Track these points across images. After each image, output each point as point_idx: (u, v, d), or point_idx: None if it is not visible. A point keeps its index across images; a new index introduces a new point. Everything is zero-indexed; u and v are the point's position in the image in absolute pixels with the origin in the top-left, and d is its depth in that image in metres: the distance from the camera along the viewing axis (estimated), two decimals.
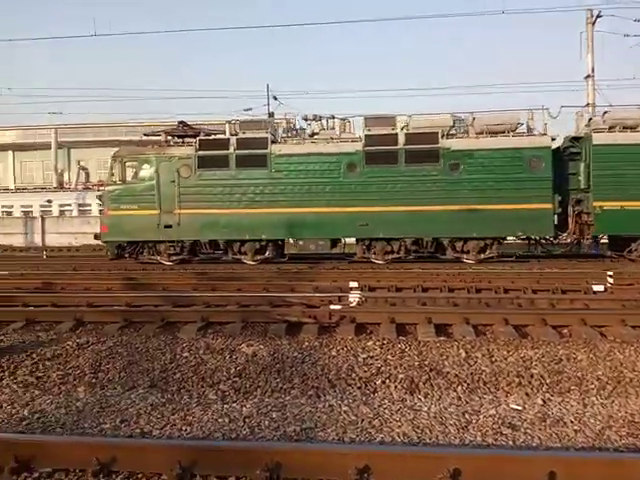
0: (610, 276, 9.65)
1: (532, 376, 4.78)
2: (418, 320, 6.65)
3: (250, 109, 27.42)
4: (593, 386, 4.50)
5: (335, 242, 14.29)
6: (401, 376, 4.86)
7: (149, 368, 5.13)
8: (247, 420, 3.91)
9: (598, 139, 13.33)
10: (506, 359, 5.27)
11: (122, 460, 2.96)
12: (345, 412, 4.06)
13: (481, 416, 3.94)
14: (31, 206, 30.24)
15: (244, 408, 4.15)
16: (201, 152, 14.26)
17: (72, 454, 3.01)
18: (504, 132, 13.64)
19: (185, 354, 5.54)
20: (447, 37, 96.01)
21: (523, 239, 14.74)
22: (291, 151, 14.19)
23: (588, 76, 20.91)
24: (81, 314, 7.02)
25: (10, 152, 43.73)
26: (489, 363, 5.18)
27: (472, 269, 12.52)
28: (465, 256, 13.85)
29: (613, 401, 4.17)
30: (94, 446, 3.06)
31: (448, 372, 4.95)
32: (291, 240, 14.21)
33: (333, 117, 14.80)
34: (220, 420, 3.91)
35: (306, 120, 14.80)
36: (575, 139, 13.99)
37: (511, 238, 14.86)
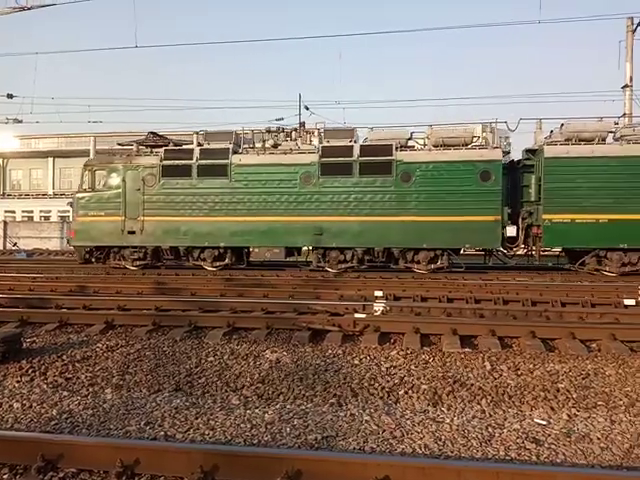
0: None
1: (558, 390, 4.69)
2: (443, 331, 6.59)
3: (282, 119, 27.73)
4: (622, 403, 4.38)
5: (291, 251, 14.71)
6: (424, 387, 4.83)
7: (175, 372, 5.23)
8: (269, 426, 3.95)
9: (550, 152, 13.36)
10: (532, 372, 5.18)
11: (145, 462, 3.04)
12: (367, 421, 4.06)
13: (505, 430, 3.88)
14: (68, 211, 31.19)
15: (266, 414, 4.19)
16: (166, 162, 14.90)
17: (97, 455, 3.10)
18: (458, 145, 13.81)
19: (210, 359, 5.63)
20: (478, 48, 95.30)
21: (479, 250, 14.86)
22: (251, 161, 14.56)
23: (626, 86, 20.40)
24: (112, 317, 7.19)
25: (50, 159, 45.27)
26: (515, 376, 5.10)
27: (498, 280, 12.34)
28: (416, 266, 13.97)
29: None
30: (118, 447, 3.15)
31: (472, 384, 4.90)
32: (255, 249, 14.83)
33: (295, 129, 15.45)
34: (242, 425, 3.96)
35: (269, 132, 15.28)
36: (530, 151, 14.08)
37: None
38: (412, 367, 5.40)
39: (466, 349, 6.03)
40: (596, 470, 3.14)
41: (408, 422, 4.04)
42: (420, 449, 3.58)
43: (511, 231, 13.89)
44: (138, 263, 15.20)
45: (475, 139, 14.08)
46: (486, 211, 13.51)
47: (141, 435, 3.78)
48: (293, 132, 15.50)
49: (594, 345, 6.17)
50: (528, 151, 14.27)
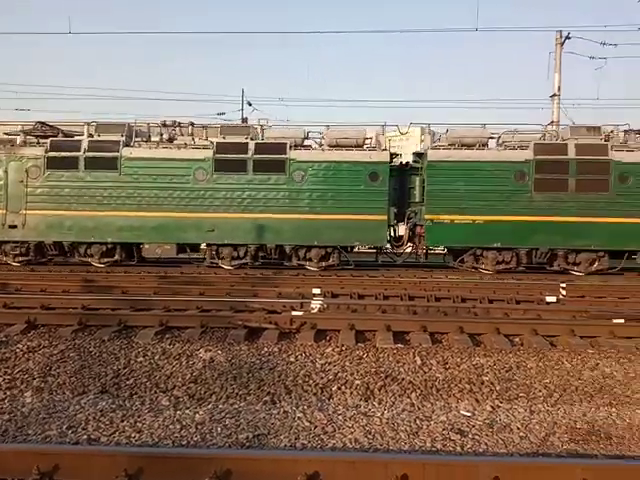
0: (563, 288, 9.97)
1: (483, 383, 4.90)
2: (377, 327, 6.72)
3: (223, 113, 27.28)
4: (540, 394, 4.64)
5: (183, 247, 14.47)
6: (357, 382, 4.90)
7: (101, 373, 5.02)
8: (199, 427, 3.87)
9: (432, 155, 14.00)
10: (459, 366, 5.39)
11: (65, 468, 2.89)
12: (299, 418, 4.07)
13: (432, 422, 4.01)
14: None
15: (197, 415, 4.10)
16: (51, 153, 14.20)
17: (12, 462, 2.92)
18: (351, 146, 14.19)
19: (140, 359, 5.45)
20: (424, 52, 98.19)
21: (371, 248, 15.39)
22: (142, 155, 14.16)
23: (554, 95, 21.59)
24: (34, 316, 6.80)
25: None
26: (443, 370, 5.29)
27: (433, 278, 12.74)
28: (308, 263, 14.18)
29: (559, 408, 4.31)
30: (35, 453, 2.98)
31: (403, 379, 5.03)
32: (146, 245, 14.46)
33: (192, 124, 15.10)
34: (171, 427, 3.86)
35: (165, 126, 14.95)
36: (417, 155, 14.77)
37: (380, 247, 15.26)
38: (346, 363, 5.47)
39: (399, 345, 6.19)
40: (515, 458, 3.30)
41: (340, 417, 4.09)
42: (351, 443, 3.63)
43: (396, 230, 14.67)
44: (20, 259, 14.34)
45: (368, 141, 14.51)
46: (374, 210, 13.91)
47: (62, 440, 3.60)
48: (190, 127, 15.03)
49: (517, 340, 6.50)
50: (415, 154, 14.93)
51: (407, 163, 14.99)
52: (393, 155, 14.66)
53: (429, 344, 6.20)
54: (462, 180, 13.88)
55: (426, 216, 14.03)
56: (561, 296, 9.53)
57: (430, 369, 5.33)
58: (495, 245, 13.93)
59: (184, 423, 3.93)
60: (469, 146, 14.19)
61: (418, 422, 4.00)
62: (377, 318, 7.08)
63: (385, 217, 14.01)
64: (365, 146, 14.57)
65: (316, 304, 8.08)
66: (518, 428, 3.89)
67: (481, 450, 3.52)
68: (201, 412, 4.16)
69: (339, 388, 4.78)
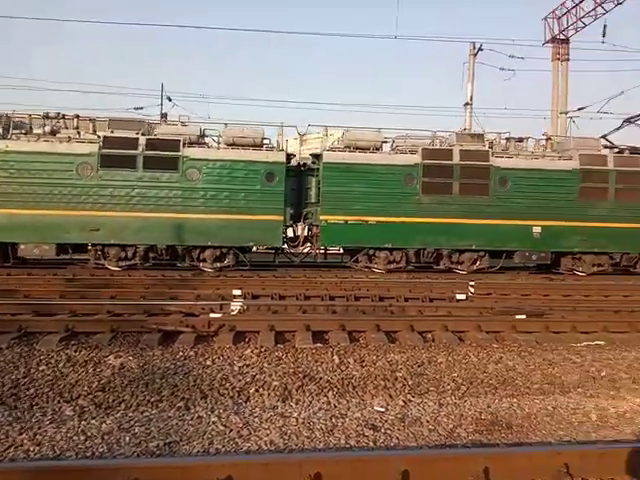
0: (472, 286, 10.53)
1: (396, 379, 5.06)
2: (297, 327, 6.75)
3: (141, 108, 26.06)
4: (449, 387, 4.87)
5: (64, 247, 13.66)
6: (275, 383, 4.88)
7: None
8: (106, 437, 3.68)
9: (328, 157, 14.43)
10: (375, 363, 5.53)
11: None
12: (214, 423, 3.99)
13: (347, 419, 4.08)
14: None
15: (104, 424, 3.89)
16: None
17: None
18: (248, 145, 14.26)
19: (42, 367, 5.09)
20: (341, 55, 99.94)
21: (269, 248, 15.34)
22: (20, 149, 13.27)
23: (467, 103, 22.78)
24: None
25: None
26: (359, 368, 5.40)
27: (353, 278, 13.00)
28: (202, 264, 14.08)
29: (466, 401, 4.54)
30: None
31: (321, 378, 5.08)
32: (22, 245, 13.54)
33: (78, 116, 14.45)
34: (75, 438, 3.64)
35: (47, 118, 14.11)
36: (315, 156, 15.18)
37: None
38: (265, 365, 5.44)
39: (318, 344, 6.25)
40: (423, 451, 3.43)
41: (256, 420, 4.05)
42: (266, 445, 3.61)
43: (291, 231, 14.99)
44: None
45: (266, 140, 14.58)
46: (270, 210, 14.00)
47: None
48: (75, 119, 14.17)
49: (429, 336, 6.78)
50: (312, 155, 15.30)
51: (304, 164, 15.24)
52: (290, 156, 14.82)
53: (347, 343, 6.32)
54: (356, 182, 14.29)
55: (321, 217, 14.26)
56: (470, 294, 10.07)
57: (347, 367, 5.42)
58: (386, 245, 14.51)
59: (89, 434, 3.72)
60: (364, 149, 14.62)
61: (334, 420, 4.05)
62: (297, 318, 7.10)
63: (281, 217, 14.09)
64: (265, 147, 14.48)
65: (236, 306, 7.96)
66: (428, 421, 4.05)
67: (392, 444, 3.62)
68: (108, 421, 3.95)
69: (257, 390, 4.73)
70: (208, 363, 5.44)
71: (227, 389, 4.74)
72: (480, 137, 15.34)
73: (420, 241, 14.61)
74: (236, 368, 5.31)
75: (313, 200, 14.76)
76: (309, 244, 15.07)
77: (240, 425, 3.94)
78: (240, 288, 9.99)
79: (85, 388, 4.62)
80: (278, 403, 4.47)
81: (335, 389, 4.80)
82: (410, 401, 4.51)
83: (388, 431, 3.85)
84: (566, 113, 24.79)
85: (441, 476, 3.02)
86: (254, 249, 15.29)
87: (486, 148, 15.06)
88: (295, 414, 4.20)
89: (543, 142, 16.35)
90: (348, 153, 14.50)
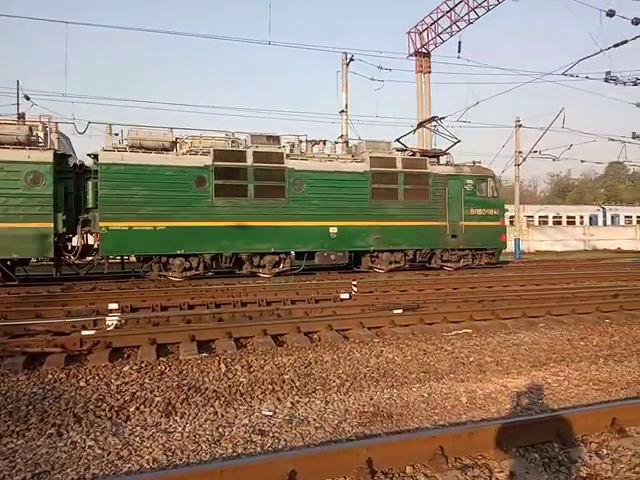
0: (355, 285, 10.97)
1: (284, 381, 5.10)
2: (181, 338, 6.52)
3: None
4: (335, 384, 5.01)
5: None
6: (158, 399, 4.67)
7: None
8: None
9: (104, 157, 13.29)
10: (263, 368, 5.52)
11: None
12: (90, 447, 3.70)
13: (234, 427, 4.02)
14: None
15: None
16: None
17: None
18: (9, 143, 12.95)
19: None
20: (222, 57, 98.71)
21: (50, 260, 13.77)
22: None
23: (342, 111, 23.62)
24: None
25: None
26: (247, 374, 5.36)
27: (240, 284, 12.87)
28: None
29: (350, 396, 4.71)
30: None
31: (207, 388, 4.95)
32: None
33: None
34: None
35: None
36: (93, 156, 13.82)
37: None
38: (146, 380, 5.18)
39: (203, 354, 6.09)
40: (308, 449, 3.49)
41: (137, 439, 3.84)
42: (148, 464, 3.43)
43: (75, 240, 13.76)
44: None
45: (23, 138, 13.10)
46: (36, 217, 12.62)
47: None
48: None
49: (316, 336, 6.93)
50: (91, 156, 13.89)
51: (82, 165, 13.98)
52: (64, 156, 13.70)
53: (234, 350, 6.24)
54: (140, 185, 13.44)
55: (101, 223, 13.07)
56: (353, 292, 10.48)
57: (235, 374, 5.35)
58: (179, 252, 13.87)
59: None
60: (151, 149, 13.88)
61: (220, 430, 3.97)
62: (180, 329, 6.85)
63: (50, 225, 12.71)
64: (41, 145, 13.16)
65: (112, 320, 7.48)
66: (314, 419, 4.13)
67: (280, 447, 3.64)
68: None
69: (137, 408, 4.48)
70: (82, 384, 5.05)
71: (104, 410, 4.43)
72: (276, 139, 15.27)
73: (216, 246, 14.22)
74: (113, 387, 4.99)
75: (91, 205, 13.54)
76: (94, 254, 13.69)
77: (119, 446, 3.70)
78: (117, 301, 9.42)
79: None
80: (161, 419, 4.27)
81: (222, 398, 4.70)
82: (298, 402, 4.57)
83: (276, 434, 3.86)
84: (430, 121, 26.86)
85: (327, 471, 3.10)
86: (32, 261, 13.80)
87: (281, 150, 15.09)
88: (180, 429, 4.04)
89: (339, 144, 17.18)
90: (130, 153, 13.56)
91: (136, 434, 3.94)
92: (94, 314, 8.23)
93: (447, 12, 26.40)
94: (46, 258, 13.37)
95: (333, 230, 15.32)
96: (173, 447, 3.68)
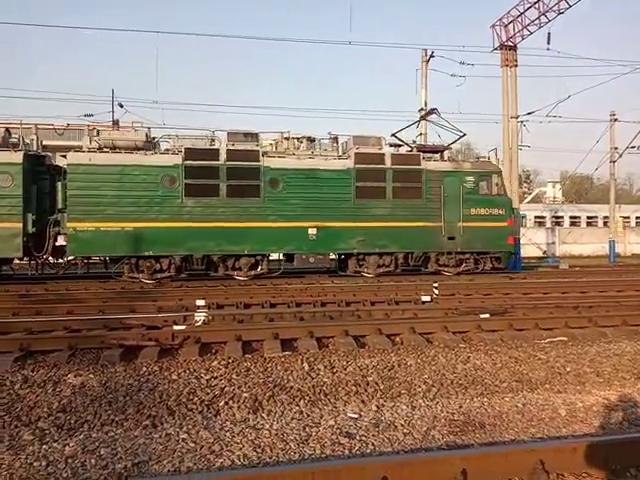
0: (436, 287, 10.67)
1: (368, 384, 5.03)
2: (265, 336, 6.64)
3: (91, 115, 25.24)
4: (420, 389, 4.87)
5: None
6: (245, 395, 4.76)
7: None
8: (69, 461, 3.47)
9: (73, 158, 13.30)
10: (345, 369, 5.49)
11: None
12: (183, 440, 3.84)
13: (321, 428, 4.01)
14: None
15: (67, 447, 3.68)
16: None
17: None
18: None
19: None
20: (301, 61, 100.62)
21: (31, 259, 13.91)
22: None
23: (421, 109, 23.17)
24: None
25: None
26: (330, 374, 5.34)
27: (320, 284, 12.96)
28: None
29: (437, 402, 4.55)
30: None
31: (292, 386, 4.99)
32: None
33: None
34: (36, 464, 3.42)
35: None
36: (64, 157, 13.85)
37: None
38: (234, 376, 5.30)
39: (286, 352, 6.15)
40: (400, 456, 3.40)
41: (227, 434, 3.93)
42: (239, 460, 3.49)
43: (46, 240, 13.48)
44: None
45: (5, 140, 13.51)
46: (5, 217, 12.84)
47: None
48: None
49: (398, 339, 6.80)
50: (64, 157, 13.86)
51: (55, 166, 14.00)
52: (39, 157, 13.81)
53: (316, 349, 6.25)
54: (108, 185, 13.34)
55: (69, 224, 13.07)
56: (434, 295, 10.20)
57: (318, 374, 5.36)
58: (147, 253, 13.57)
59: (51, 458, 3.51)
60: (122, 149, 13.76)
61: (307, 429, 3.97)
62: (264, 327, 6.99)
63: (19, 225, 12.82)
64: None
65: (200, 316, 7.77)
66: (402, 425, 4.03)
67: (369, 451, 3.58)
68: (72, 444, 3.74)
69: (226, 403, 4.60)
70: (174, 377, 5.27)
71: (195, 403, 4.59)
72: (255, 136, 14.67)
73: (186, 247, 13.81)
74: (203, 381, 5.16)
75: (60, 206, 13.50)
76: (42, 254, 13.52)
77: (211, 440, 3.81)
78: (203, 298, 9.79)
79: (45, 410, 4.37)
80: (249, 415, 4.35)
81: (307, 397, 4.72)
82: (383, 405, 4.49)
83: (363, 438, 3.80)
84: (517, 117, 25.62)
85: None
86: (16, 261, 14.04)
87: (256, 148, 14.47)
88: (267, 426, 4.09)
89: (326, 141, 15.85)
90: (97, 153, 13.51)
91: (226, 429, 4.03)
92: (183, 310, 8.60)
93: (535, 3, 25.09)
94: (16, 257, 13.53)
95: (312, 231, 14.46)
96: (262, 444, 3.73)
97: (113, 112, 26.55)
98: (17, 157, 12.90)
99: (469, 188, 15.51)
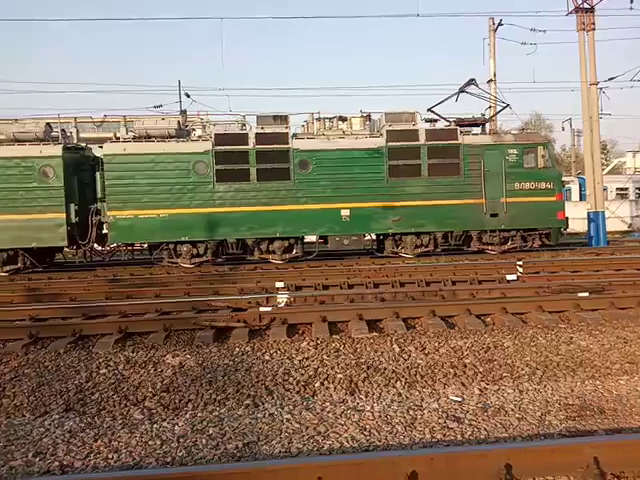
0: (520, 266, 10.19)
1: (465, 366, 4.84)
2: (349, 317, 6.57)
3: (160, 105, 26.04)
4: (524, 372, 4.63)
5: None
6: (340, 376, 4.72)
7: (62, 389, 4.58)
8: (181, 440, 3.57)
9: (107, 149, 13.61)
10: (438, 350, 5.32)
11: None
12: (287, 420, 3.84)
13: (425, 411, 3.89)
14: None
15: (176, 427, 3.79)
16: None
17: None
18: (27, 140, 13.53)
19: (103, 371, 5.04)
20: (366, 37, 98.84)
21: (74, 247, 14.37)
22: None
23: (490, 80, 22.08)
24: None
25: None
26: (423, 356, 5.20)
27: (391, 264, 12.76)
28: None
29: (545, 386, 4.30)
30: None
31: (385, 368, 4.89)
32: None
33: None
34: (151, 443, 3.54)
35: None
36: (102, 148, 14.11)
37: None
38: (324, 357, 5.28)
39: (374, 333, 6.06)
40: (525, 443, 3.22)
41: (330, 415, 3.90)
42: (347, 442, 3.44)
43: (89, 228, 13.76)
44: None
45: (47, 134, 13.78)
46: (48, 208, 13.27)
47: (30, 470, 3.20)
48: None
49: (488, 319, 6.53)
50: (101, 147, 14.19)
51: (94, 157, 14.28)
52: (79, 149, 14.09)
53: (404, 330, 6.11)
54: (142, 173, 13.56)
55: (109, 212, 13.49)
56: (519, 273, 9.75)
57: (410, 356, 5.23)
58: (183, 239, 13.70)
59: (164, 437, 3.61)
60: (156, 137, 13.84)
61: (412, 413, 3.86)
62: (348, 308, 6.92)
63: (62, 215, 13.27)
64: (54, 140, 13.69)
65: (282, 298, 7.83)
66: (512, 410, 3.84)
67: (482, 437, 3.42)
68: (180, 423, 3.85)
69: (322, 384, 4.58)
70: (267, 358, 5.32)
71: (292, 384, 4.60)
72: (284, 119, 14.36)
73: (220, 232, 13.84)
74: (296, 362, 5.17)
75: (99, 195, 13.88)
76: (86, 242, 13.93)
77: (315, 422, 3.79)
78: (281, 280, 9.88)
79: (149, 389, 4.53)
80: (347, 396, 4.31)
81: (402, 379, 4.61)
82: (486, 389, 4.30)
83: (473, 422, 3.65)
84: (596, 84, 23.90)
85: (546, 468, 2.82)
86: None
87: (286, 130, 14.18)
88: (368, 407, 4.03)
89: (357, 120, 15.28)
90: (131, 143, 13.75)
91: (327, 410, 4.00)
92: (264, 292, 8.70)
93: None
94: (62, 246, 14.01)
95: (345, 212, 14.12)
96: (367, 426, 3.66)
97: (181, 102, 27.27)
98: (57, 150, 13.40)
99: (512, 162, 14.63)
